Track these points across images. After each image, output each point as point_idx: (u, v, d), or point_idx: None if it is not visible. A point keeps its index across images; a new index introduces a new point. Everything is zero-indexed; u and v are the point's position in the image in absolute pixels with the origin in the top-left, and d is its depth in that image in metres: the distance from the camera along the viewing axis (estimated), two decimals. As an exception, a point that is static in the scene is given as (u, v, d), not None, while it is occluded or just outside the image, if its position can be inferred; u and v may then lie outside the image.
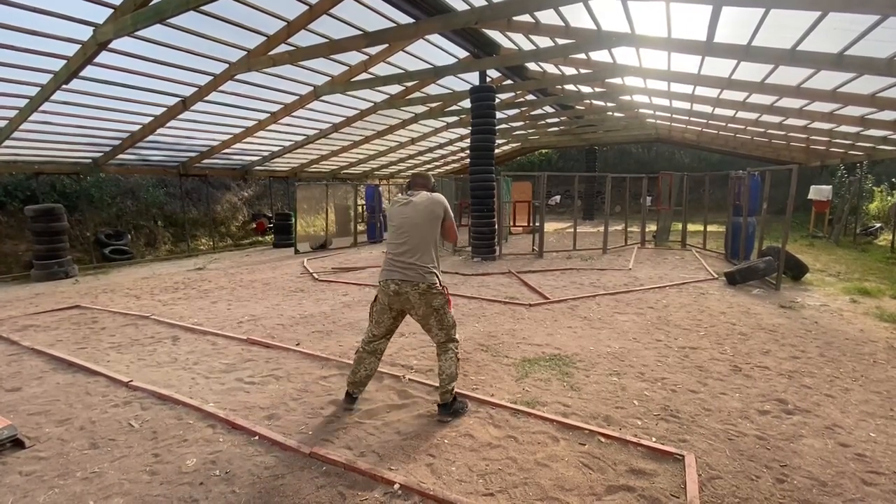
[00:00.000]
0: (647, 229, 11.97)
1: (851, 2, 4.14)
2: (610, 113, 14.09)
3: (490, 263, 9.11)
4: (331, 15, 6.70)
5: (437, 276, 2.85)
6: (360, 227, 13.96)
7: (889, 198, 12.84)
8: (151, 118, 8.67)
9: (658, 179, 12.08)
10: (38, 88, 6.77)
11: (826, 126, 9.39)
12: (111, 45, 6.02)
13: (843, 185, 12.56)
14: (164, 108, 8.42)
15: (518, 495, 2.20)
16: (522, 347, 4.22)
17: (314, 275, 8.18)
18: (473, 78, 9.92)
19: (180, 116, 8.65)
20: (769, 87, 7.32)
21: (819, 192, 12.70)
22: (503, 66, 9.56)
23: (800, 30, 5.18)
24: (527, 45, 8.87)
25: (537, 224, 10.42)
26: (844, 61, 5.49)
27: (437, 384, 2.98)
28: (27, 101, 7.03)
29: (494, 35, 8.54)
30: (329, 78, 9.09)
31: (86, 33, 5.77)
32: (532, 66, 10.42)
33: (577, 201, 12.37)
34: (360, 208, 14.50)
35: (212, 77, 7.75)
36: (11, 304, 6.40)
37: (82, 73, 6.44)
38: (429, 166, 19.54)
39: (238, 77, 7.80)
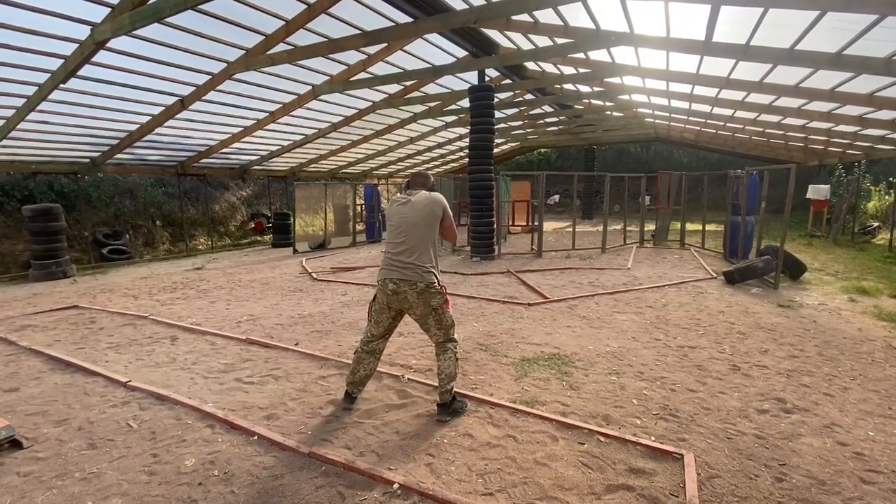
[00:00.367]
0: (645, 228, 11.98)
1: (850, 1, 4.14)
2: (609, 112, 14.10)
3: (489, 263, 9.12)
4: (329, 14, 6.69)
5: (436, 276, 2.85)
6: (359, 227, 13.94)
7: (887, 197, 12.86)
8: (149, 117, 8.65)
9: (657, 179, 12.09)
10: (36, 88, 6.75)
11: (824, 125, 9.41)
12: (109, 45, 6.00)
13: (842, 185, 12.58)
14: (163, 108, 8.40)
15: (517, 494, 2.20)
16: (521, 347, 4.22)
17: (313, 274, 8.17)
18: (472, 77, 9.91)
19: (178, 116, 8.63)
20: (768, 86, 7.33)
21: (817, 191, 12.72)
22: (502, 66, 9.55)
23: (798, 29, 5.18)
24: (525, 45, 8.87)
25: (536, 223, 10.42)
26: (843, 61, 5.50)
27: (437, 384, 2.98)
28: (24, 100, 7.00)
29: (493, 34, 8.53)
30: (328, 77, 9.07)
31: (83, 32, 5.75)
32: (531, 65, 10.41)
33: (575, 201, 12.38)
34: (358, 208, 14.48)
35: (210, 76, 7.73)
36: (9, 305, 6.38)
37: (80, 73, 6.42)
38: (428, 166, 19.53)
39: (236, 76, 7.79)
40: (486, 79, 10.08)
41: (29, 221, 8.36)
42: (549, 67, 10.49)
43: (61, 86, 6.55)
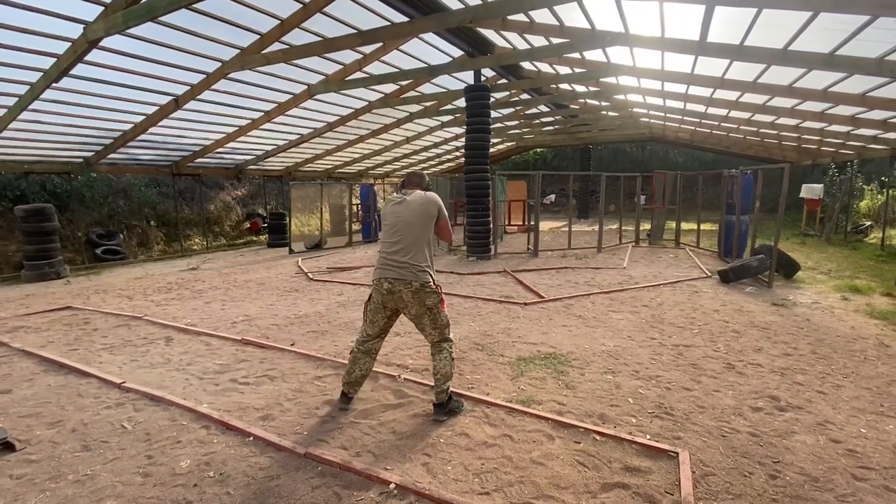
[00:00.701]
0: (641, 228, 12.04)
1: (841, 1, 4.17)
2: (604, 112, 14.15)
3: (485, 262, 9.12)
4: (325, 13, 6.67)
5: (431, 275, 2.85)
6: (355, 227, 13.91)
7: (879, 196, 12.98)
8: (143, 117, 8.59)
9: (652, 178, 12.15)
10: (28, 87, 6.69)
11: (817, 125, 9.49)
12: (102, 44, 5.95)
13: (834, 184, 12.69)
14: (157, 107, 8.35)
15: (514, 494, 2.20)
16: (518, 346, 4.23)
17: (309, 274, 8.15)
18: (468, 77, 9.92)
19: (173, 115, 8.58)
20: (761, 86, 7.38)
21: (810, 190, 12.83)
22: (498, 66, 9.55)
23: (791, 29, 5.22)
24: (521, 45, 8.88)
25: (532, 223, 10.44)
26: (835, 61, 5.54)
27: (433, 384, 2.98)
28: (16, 99, 6.93)
29: (489, 34, 8.54)
30: (323, 77, 9.05)
31: (76, 31, 5.70)
32: (527, 65, 10.43)
33: (571, 200, 12.42)
34: (354, 207, 14.45)
35: (205, 76, 7.69)
36: (1, 306, 6.32)
37: (73, 72, 6.37)
38: (424, 165, 19.52)
39: (231, 76, 7.75)
40: (482, 78, 10.09)
41: (21, 222, 8.28)
42: (544, 67, 10.51)
43: (54, 85, 6.49)
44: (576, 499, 2.16)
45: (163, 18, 5.67)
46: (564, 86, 11.80)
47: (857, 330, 4.60)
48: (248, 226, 14.49)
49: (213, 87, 7.95)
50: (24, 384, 3.60)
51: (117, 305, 6.16)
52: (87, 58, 6.13)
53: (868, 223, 12.20)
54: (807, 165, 14.71)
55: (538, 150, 24.89)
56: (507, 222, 13.42)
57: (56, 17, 5.46)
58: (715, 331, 4.63)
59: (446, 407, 2.91)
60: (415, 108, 12.30)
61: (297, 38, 7.17)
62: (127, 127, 8.88)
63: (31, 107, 7.00)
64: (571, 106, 14.05)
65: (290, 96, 9.45)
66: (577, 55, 8.82)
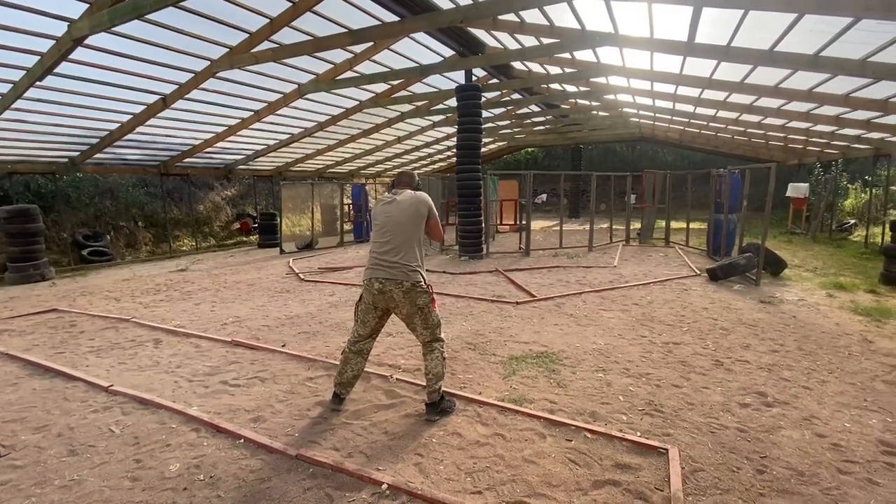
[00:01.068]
0: (631, 227, 12.14)
1: (825, 3, 4.24)
2: (594, 112, 14.24)
3: (477, 262, 9.14)
4: (315, 12, 6.63)
5: (422, 275, 2.85)
6: (347, 227, 13.85)
7: (863, 195, 13.23)
8: (130, 116, 8.47)
9: (642, 178, 12.26)
10: (11, 85, 6.56)
11: (803, 125, 9.64)
12: (87, 42, 5.86)
13: (820, 183, 12.90)
14: (144, 106, 8.24)
15: (506, 492, 2.21)
16: (510, 345, 4.25)
17: (300, 275, 8.09)
18: (459, 77, 9.92)
19: (161, 114, 8.47)
20: (748, 86, 7.48)
21: (796, 189, 13.03)
22: (489, 65, 9.58)
23: (777, 31, 5.30)
24: (512, 45, 8.91)
25: (524, 222, 10.48)
26: (820, 62, 5.64)
27: (425, 384, 2.98)
28: (-1, 98, 6.81)
29: (480, 34, 8.55)
30: (314, 76, 8.99)
31: (60, 29, 5.61)
32: (517, 65, 10.46)
33: (562, 199, 12.48)
34: (346, 207, 14.39)
35: (193, 74, 7.60)
36: (-16, 309, 6.19)
37: (57, 70, 6.26)
38: (415, 165, 19.49)
39: (220, 74, 7.67)
40: (474, 78, 10.09)
41: (4, 223, 8.11)
42: (535, 67, 10.55)
43: (38, 83, 6.38)
44: (567, 496, 2.18)
45: (149, 16, 5.60)
46: (555, 86, 11.85)
47: (841, 326, 4.69)
48: (238, 226, 14.36)
49: (202, 86, 7.87)
50: (8, 389, 3.53)
51: (104, 307, 6.07)
52: (72, 56, 6.04)
53: (852, 221, 12.43)
54: (793, 165, 14.95)
55: (529, 149, 24.98)
56: (498, 222, 13.45)
57: (39, 15, 5.36)
58: (704, 328, 4.68)
59: (438, 406, 2.91)
60: (406, 107, 12.27)
61: (286, 36, 7.12)
62: (113, 126, 8.75)
63: (13, 106, 6.87)
64: (562, 106, 14.13)
65: (281, 95, 9.38)
66: (567, 55, 8.87)
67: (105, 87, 7.34)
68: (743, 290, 6.32)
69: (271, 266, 9.41)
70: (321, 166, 16.20)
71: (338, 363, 3.18)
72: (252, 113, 9.82)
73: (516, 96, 12.75)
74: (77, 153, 9.50)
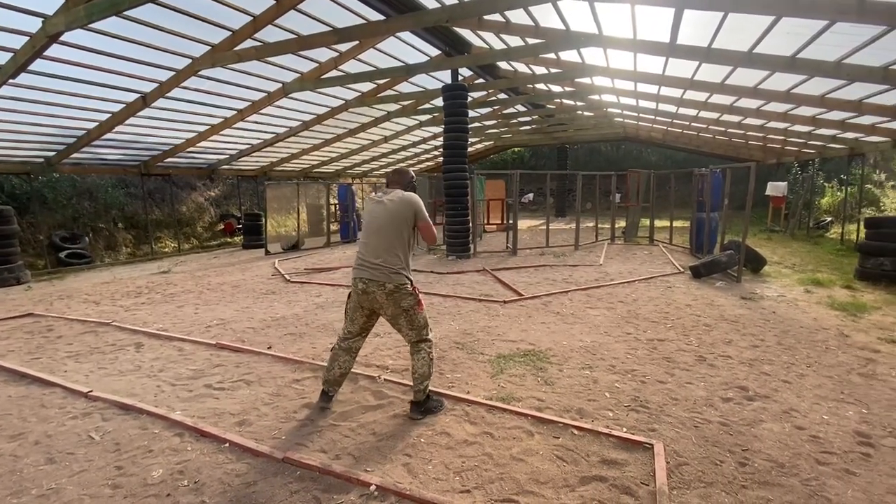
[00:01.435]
0: (616, 225, 12.30)
1: (801, 6, 4.35)
2: (580, 112, 14.38)
3: (464, 261, 9.15)
4: (299, 10, 6.55)
5: (407, 277, 2.83)
6: (334, 227, 13.74)
7: (839, 193, 13.62)
8: (109, 115, 8.27)
9: (626, 177, 12.42)
10: (-18, 83, 6.35)
11: (781, 125, 9.88)
12: (63, 38, 5.70)
13: (798, 182, 13.24)
14: (123, 105, 8.05)
15: (494, 491, 2.22)
16: (497, 344, 4.26)
17: (286, 276, 8.00)
18: (445, 76, 9.92)
19: (140, 113, 8.29)
20: (728, 87, 7.64)
21: (775, 188, 13.35)
22: (475, 65, 9.60)
23: (756, 33, 5.42)
24: (498, 45, 8.94)
25: (511, 222, 10.53)
26: (797, 64, 5.78)
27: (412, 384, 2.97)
28: (-30, 96, 6.59)
29: (466, 34, 8.56)
30: (298, 75, 8.90)
31: (35, 25, 5.44)
32: (503, 65, 10.51)
33: (549, 199, 12.57)
34: (332, 207, 14.27)
35: (174, 73, 7.45)
36: (-44, 314, 5.98)
37: (31, 67, 6.08)
38: (402, 165, 19.44)
39: (202, 73, 7.54)
40: (460, 78, 10.11)
41: (-23, 225, 7.85)
42: (521, 67, 10.61)
43: (11, 81, 6.19)
44: (555, 493, 2.19)
45: (128, 13, 5.49)
46: (541, 86, 11.94)
47: (819, 321, 4.82)
48: (222, 227, 14.13)
49: (184, 84, 7.72)
50: (-18, 396, 3.41)
51: (83, 311, 5.91)
52: (47, 53, 5.87)
53: (829, 219, 12.78)
54: (772, 164, 15.30)
55: (516, 149, 25.12)
56: (485, 221, 13.50)
57: (12, 10, 5.19)
58: (687, 325, 4.77)
59: (423, 406, 2.91)
60: (392, 107, 12.23)
61: (270, 35, 7.03)
62: (92, 125, 8.54)
63: (-15, 104, 6.66)
64: (548, 106, 14.23)
65: (265, 94, 9.26)
66: (552, 56, 8.94)
67: (83, 86, 7.15)
68: (725, 287, 6.45)
69: (256, 267, 9.28)
70: (307, 166, 16.04)
71: (325, 364, 3.15)
72: (235, 112, 9.67)
73: (502, 96, 12.81)
74: (53, 153, 9.24)
